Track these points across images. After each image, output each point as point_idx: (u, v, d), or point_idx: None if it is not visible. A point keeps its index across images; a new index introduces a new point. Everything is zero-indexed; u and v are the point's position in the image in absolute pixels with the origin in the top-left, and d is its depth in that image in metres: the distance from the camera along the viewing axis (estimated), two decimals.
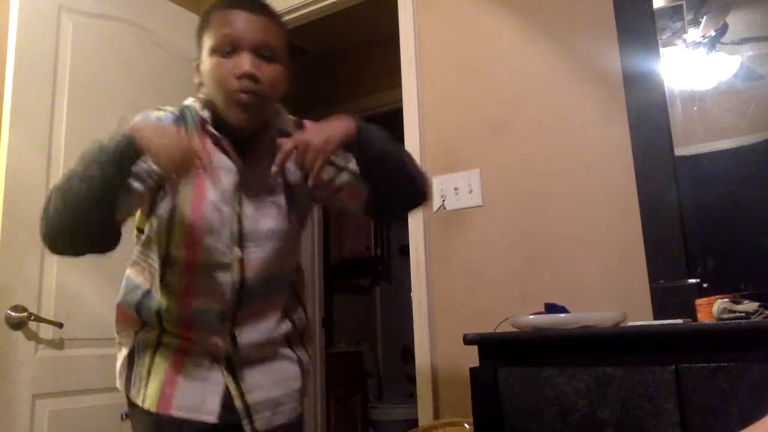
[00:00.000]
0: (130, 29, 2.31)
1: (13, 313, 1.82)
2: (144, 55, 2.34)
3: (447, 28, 2.19)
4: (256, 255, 1.21)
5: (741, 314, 1.21)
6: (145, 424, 1.25)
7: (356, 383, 4.19)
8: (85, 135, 2.08)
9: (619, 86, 1.80)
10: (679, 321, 1.30)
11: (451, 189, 2.09)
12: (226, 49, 1.14)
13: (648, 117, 1.72)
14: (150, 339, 1.26)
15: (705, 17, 1.70)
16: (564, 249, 1.85)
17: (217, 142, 1.20)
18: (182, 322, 1.23)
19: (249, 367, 1.27)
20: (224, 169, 1.20)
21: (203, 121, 1.21)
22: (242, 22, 1.14)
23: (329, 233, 4.41)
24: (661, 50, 1.73)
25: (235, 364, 1.25)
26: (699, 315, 1.31)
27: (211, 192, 1.18)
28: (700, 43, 1.70)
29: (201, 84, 1.22)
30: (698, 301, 1.32)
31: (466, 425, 1.81)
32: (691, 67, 1.71)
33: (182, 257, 1.19)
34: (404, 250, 4.44)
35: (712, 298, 1.28)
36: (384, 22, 2.74)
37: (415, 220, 2.15)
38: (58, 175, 1.99)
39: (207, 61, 1.17)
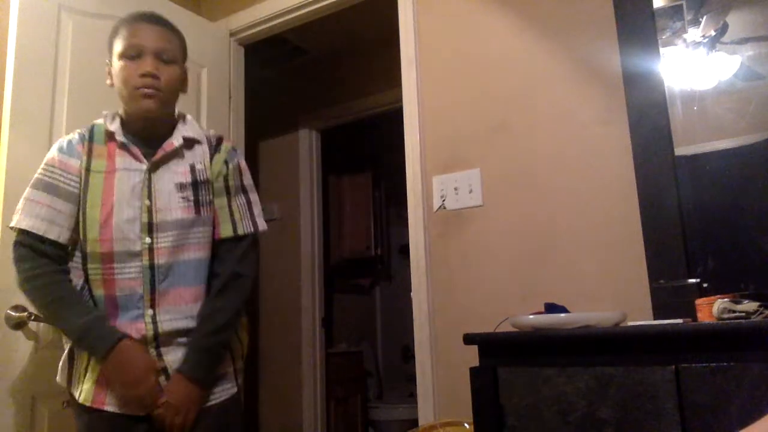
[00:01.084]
0: None
1: (13, 313, 1.82)
2: None
3: (447, 28, 2.19)
4: (165, 243, 1.40)
5: (741, 314, 1.21)
6: (81, 417, 1.40)
7: (356, 383, 4.19)
8: None
9: (619, 86, 1.80)
10: (679, 321, 1.30)
11: (451, 189, 2.09)
12: (132, 53, 1.41)
13: (648, 117, 1.72)
14: None
15: (705, 17, 1.70)
16: (564, 249, 1.86)
17: (124, 147, 1.44)
18: (110, 310, 1.39)
19: (175, 353, 1.40)
20: (132, 169, 1.42)
21: (110, 133, 1.44)
22: (144, 32, 1.42)
23: (329, 233, 4.41)
24: (661, 50, 1.73)
25: (163, 353, 1.39)
26: (699, 315, 1.31)
27: (120, 190, 1.40)
28: (700, 43, 1.70)
29: (111, 84, 1.46)
30: (698, 301, 1.32)
31: (466, 425, 1.81)
32: (691, 67, 1.71)
33: (99, 249, 1.38)
34: (404, 250, 4.44)
35: (712, 298, 1.28)
36: (384, 22, 2.74)
37: (415, 220, 2.15)
38: None
39: (116, 65, 1.43)
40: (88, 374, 1.38)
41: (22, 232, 1.40)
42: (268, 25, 2.71)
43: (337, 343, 4.37)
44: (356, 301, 4.85)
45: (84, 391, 1.38)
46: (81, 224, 1.40)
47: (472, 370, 1.37)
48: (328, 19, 2.69)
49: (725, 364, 1.11)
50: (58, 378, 1.46)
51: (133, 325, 1.38)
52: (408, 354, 4.70)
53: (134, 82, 1.39)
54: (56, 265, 1.40)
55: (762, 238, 1.56)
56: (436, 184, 2.12)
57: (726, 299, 1.24)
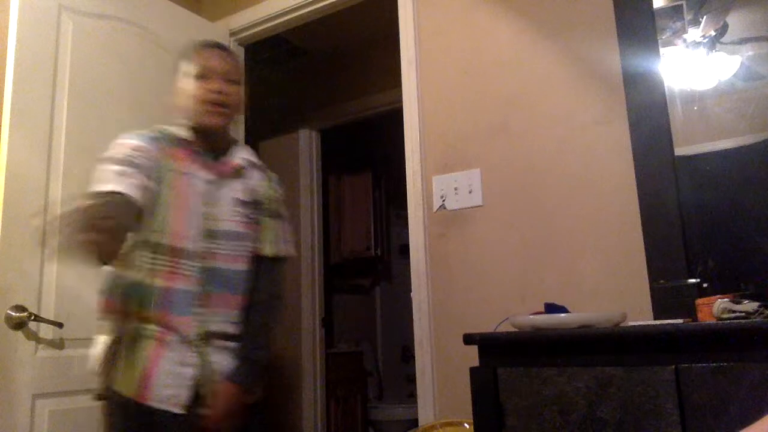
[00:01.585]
0: (130, 29, 2.31)
1: (13, 313, 1.82)
2: (144, 55, 2.34)
3: (447, 28, 2.19)
4: (221, 249, 1.53)
5: (741, 314, 1.21)
6: (121, 409, 1.45)
7: (356, 383, 4.19)
8: (85, 135, 2.09)
9: (619, 86, 1.80)
10: (679, 321, 1.30)
11: (451, 189, 2.09)
12: (204, 74, 1.56)
13: (648, 117, 1.72)
14: (131, 330, 1.47)
15: (705, 17, 1.70)
16: (564, 249, 1.86)
17: (195, 158, 1.55)
18: (163, 303, 1.46)
19: (217, 357, 1.50)
20: (200, 178, 1.54)
21: (182, 141, 1.56)
22: (213, 57, 1.59)
23: (329, 233, 4.41)
24: (661, 50, 1.73)
25: (204, 352, 1.47)
26: (699, 315, 1.31)
27: (189, 195, 1.51)
28: (700, 43, 1.70)
29: (179, 103, 1.59)
30: (698, 301, 1.32)
31: (466, 425, 1.82)
32: (691, 67, 1.71)
33: (166, 242, 1.47)
34: (404, 250, 4.44)
35: (712, 298, 1.28)
36: (384, 22, 2.74)
37: (415, 220, 2.15)
38: (58, 175, 1.99)
39: (189, 84, 1.57)
40: (132, 366, 1.45)
41: (109, 195, 1.40)
42: (268, 25, 2.71)
43: (336, 343, 4.37)
44: (356, 301, 4.85)
45: (128, 385, 1.44)
46: (153, 213, 1.48)
47: (472, 370, 1.37)
48: (328, 19, 2.69)
49: (725, 364, 1.11)
50: (96, 370, 1.51)
51: (182, 319, 1.47)
52: (408, 354, 4.70)
53: (205, 96, 1.54)
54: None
55: (762, 238, 1.56)
56: (436, 184, 2.12)
57: (726, 299, 1.24)
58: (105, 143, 2.14)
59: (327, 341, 3.87)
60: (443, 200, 2.10)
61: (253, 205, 1.61)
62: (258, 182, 1.64)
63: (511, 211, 1.97)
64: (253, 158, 1.67)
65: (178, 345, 1.46)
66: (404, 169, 2.21)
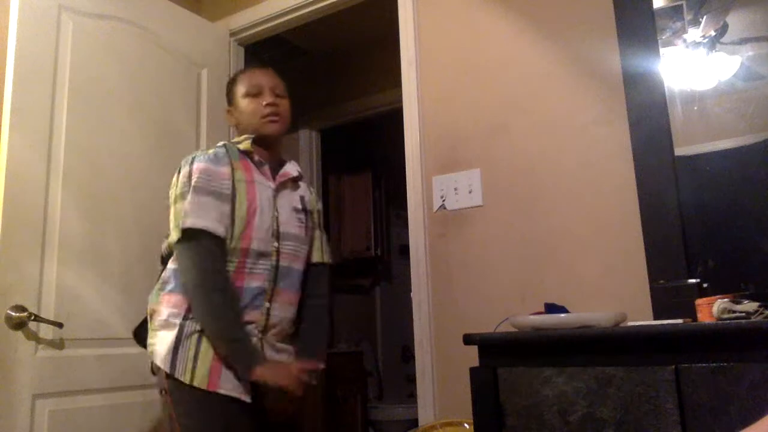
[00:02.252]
0: (130, 29, 2.31)
1: (13, 313, 1.82)
2: (144, 55, 2.34)
3: (447, 28, 2.19)
4: (287, 249, 1.65)
5: (741, 314, 1.21)
6: (193, 399, 1.50)
7: (356, 383, 4.19)
8: (85, 135, 2.09)
9: (619, 86, 1.80)
10: (679, 321, 1.30)
11: (451, 189, 2.09)
12: (254, 92, 1.70)
13: (648, 117, 1.72)
14: (196, 326, 1.53)
15: (705, 17, 1.70)
16: (564, 249, 1.86)
17: (259, 166, 1.68)
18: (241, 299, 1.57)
19: (273, 355, 1.59)
20: (265, 185, 1.66)
21: (245, 152, 1.68)
22: (261, 74, 1.74)
23: (329, 233, 4.40)
24: (661, 50, 1.73)
25: (264, 348, 1.57)
26: (699, 315, 1.31)
27: (259, 200, 1.63)
28: (700, 43, 1.70)
29: (236, 124, 1.74)
30: (698, 301, 1.32)
31: (466, 425, 1.82)
32: (691, 67, 1.71)
33: (240, 246, 1.58)
34: (404, 250, 4.43)
35: (712, 298, 1.28)
36: (384, 22, 2.74)
37: (415, 220, 2.15)
38: (58, 175, 1.99)
39: (242, 102, 1.71)
40: (199, 361, 1.50)
41: (194, 233, 1.53)
42: (268, 25, 2.71)
43: (336, 343, 4.37)
44: (356, 301, 4.85)
45: (198, 376, 1.49)
46: (233, 223, 1.59)
47: (472, 370, 1.37)
48: (328, 19, 2.69)
49: (725, 364, 1.11)
50: (159, 363, 1.53)
51: (253, 313, 1.57)
52: (408, 354, 4.69)
53: (261, 112, 1.68)
54: (226, 269, 1.57)
55: (762, 238, 1.56)
56: (436, 184, 2.13)
57: (726, 299, 1.24)
58: (105, 143, 2.15)
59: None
60: (443, 200, 2.10)
61: (305, 213, 1.74)
62: (306, 193, 1.79)
63: (511, 211, 1.97)
64: (301, 172, 1.80)
65: None
66: (404, 169, 2.21)
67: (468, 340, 1.39)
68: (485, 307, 1.95)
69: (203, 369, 1.49)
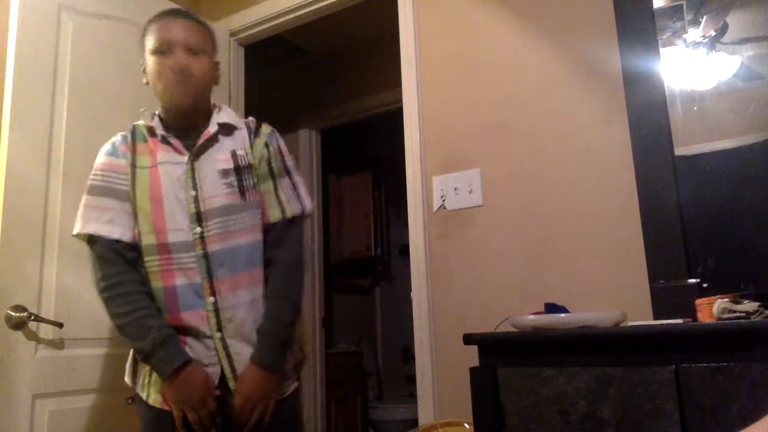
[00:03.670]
0: (130, 29, 2.31)
1: (13, 313, 1.82)
2: None
3: (447, 28, 2.19)
4: (215, 230, 1.43)
5: (741, 314, 1.21)
6: (148, 417, 1.43)
7: (356, 383, 4.19)
8: (85, 135, 2.08)
9: (619, 86, 1.80)
10: (679, 321, 1.30)
11: (451, 189, 2.09)
12: (163, 48, 1.44)
13: (648, 117, 1.72)
14: None
15: (705, 17, 1.70)
16: (564, 249, 1.86)
17: (165, 141, 1.47)
18: (171, 302, 1.42)
19: (241, 348, 1.42)
20: (175, 163, 1.45)
21: (151, 129, 1.49)
22: (173, 27, 1.45)
23: (329, 233, 4.41)
24: (661, 50, 1.73)
25: (228, 345, 1.41)
26: (699, 315, 1.31)
27: (166, 185, 1.43)
28: (700, 43, 1.70)
29: (147, 82, 1.50)
30: (698, 301, 1.32)
31: (466, 425, 1.82)
32: (691, 67, 1.71)
33: (154, 242, 1.42)
34: (404, 250, 4.43)
35: (712, 298, 1.28)
36: (384, 22, 2.74)
37: (415, 220, 2.15)
38: (58, 176, 1.99)
39: (149, 60, 1.46)
40: (153, 378, 1.42)
41: (90, 239, 1.43)
42: (268, 25, 2.71)
43: (337, 343, 4.37)
44: (356, 301, 4.85)
45: (152, 394, 1.42)
46: (137, 220, 1.44)
47: (472, 370, 1.37)
48: (328, 19, 2.69)
49: (725, 364, 1.11)
50: (126, 378, 1.50)
51: (196, 314, 1.41)
52: (408, 354, 4.70)
53: (167, 74, 1.43)
54: (131, 272, 1.43)
55: (762, 238, 1.56)
56: (436, 184, 2.12)
57: (726, 299, 1.24)
58: (105, 143, 2.14)
59: (327, 341, 3.87)
60: (443, 200, 2.10)
61: (242, 171, 1.47)
62: (242, 145, 1.50)
63: (511, 211, 1.97)
64: (233, 120, 1.54)
65: (197, 345, 1.42)
66: (404, 169, 2.21)
67: (468, 340, 1.39)
68: (485, 307, 1.94)
69: (156, 388, 1.41)
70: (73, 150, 2.04)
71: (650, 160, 1.70)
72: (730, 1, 1.67)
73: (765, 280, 1.51)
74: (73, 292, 1.98)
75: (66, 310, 1.95)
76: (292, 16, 2.63)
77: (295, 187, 1.54)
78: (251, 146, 1.51)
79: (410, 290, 2.13)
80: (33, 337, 1.87)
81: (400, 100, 2.27)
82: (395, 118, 2.57)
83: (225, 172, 1.46)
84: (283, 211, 1.49)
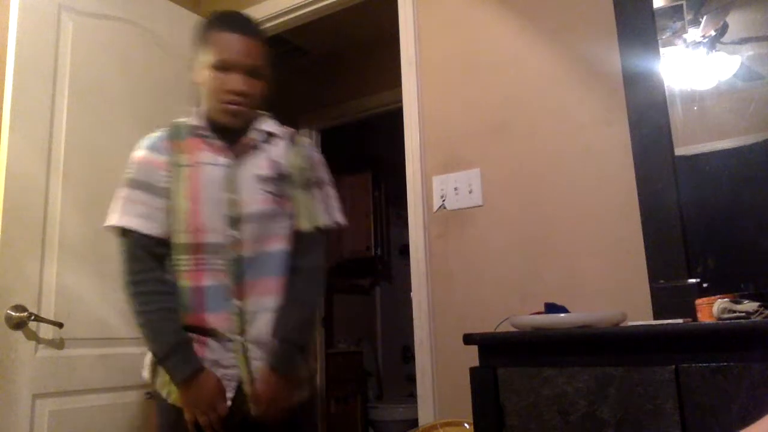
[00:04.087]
0: (131, 29, 2.31)
1: (13, 313, 1.82)
2: (144, 55, 2.34)
3: (447, 28, 2.19)
4: (249, 235, 1.43)
5: (741, 314, 1.21)
6: (168, 415, 1.43)
7: (356, 383, 4.19)
8: (85, 135, 2.09)
9: (619, 86, 1.80)
10: (679, 321, 1.30)
11: (451, 189, 2.09)
12: (223, 66, 1.42)
13: (648, 117, 1.72)
14: None
15: (705, 17, 1.70)
16: (564, 249, 1.86)
17: (207, 142, 1.47)
18: (197, 302, 1.41)
19: (260, 354, 1.42)
20: (217, 164, 1.45)
21: (195, 128, 1.48)
22: (236, 46, 1.42)
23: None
24: (661, 50, 1.73)
25: (248, 349, 1.41)
26: (699, 315, 1.31)
27: (205, 183, 1.43)
28: (700, 43, 1.70)
29: (196, 83, 1.48)
30: (698, 301, 1.32)
31: (466, 425, 1.81)
32: (691, 67, 1.71)
33: (188, 241, 1.41)
34: (404, 250, 4.43)
35: (712, 298, 1.28)
36: (384, 22, 2.74)
37: (415, 220, 2.15)
38: (58, 175, 1.99)
39: (204, 72, 1.44)
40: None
41: (122, 232, 1.42)
42: (268, 25, 2.71)
43: (337, 343, 4.37)
44: (356, 301, 4.85)
45: (173, 393, 1.41)
46: (172, 215, 1.43)
47: (472, 370, 1.37)
48: (328, 19, 2.69)
49: (725, 364, 1.11)
50: (144, 374, 1.49)
51: (220, 316, 1.41)
52: (408, 354, 4.70)
53: (221, 96, 1.42)
54: (157, 269, 1.42)
55: (762, 238, 1.56)
56: (436, 184, 2.12)
57: (726, 299, 1.24)
58: (105, 143, 2.15)
59: (327, 341, 3.87)
60: (443, 200, 2.10)
61: (280, 179, 1.47)
62: (282, 154, 1.50)
63: (511, 211, 1.97)
64: (275, 128, 1.54)
65: (217, 347, 1.41)
66: (404, 169, 2.21)
67: (468, 340, 1.39)
68: (485, 307, 1.94)
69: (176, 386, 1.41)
70: (73, 150, 2.04)
71: (650, 160, 1.70)
72: (730, 1, 1.67)
73: (765, 280, 1.51)
74: (73, 292, 1.98)
75: (66, 310, 1.95)
76: (292, 16, 2.62)
77: (327, 199, 1.55)
78: (289, 156, 1.52)
79: (410, 290, 2.13)
80: (33, 337, 1.87)
81: (400, 100, 2.27)
82: (395, 118, 2.57)
83: (264, 179, 1.46)
84: (314, 221, 1.50)
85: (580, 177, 1.86)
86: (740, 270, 1.58)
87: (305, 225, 1.49)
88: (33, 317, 1.85)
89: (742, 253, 1.59)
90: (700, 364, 1.13)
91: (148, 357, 1.48)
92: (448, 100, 2.15)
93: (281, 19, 2.67)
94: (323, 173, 1.57)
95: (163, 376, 1.43)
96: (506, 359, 1.36)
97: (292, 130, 1.60)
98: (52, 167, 1.98)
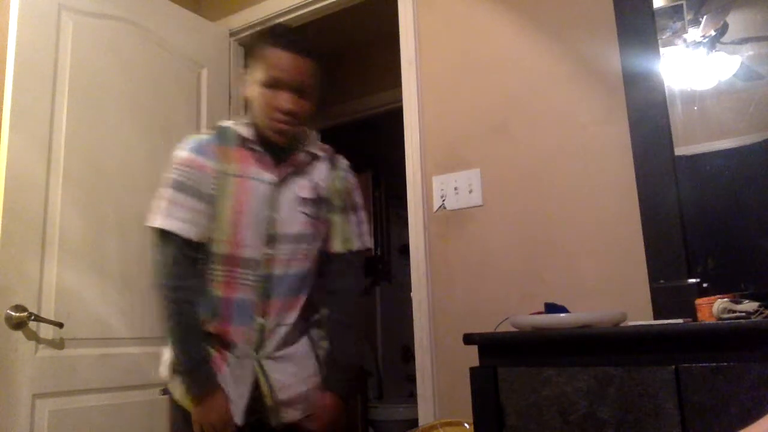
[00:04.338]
0: (130, 29, 2.31)
1: (13, 313, 1.82)
2: (144, 55, 2.34)
3: (447, 28, 2.19)
4: (282, 254, 1.44)
5: (741, 314, 1.21)
6: (180, 419, 1.44)
7: (356, 383, 4.19)
8: (85, 135, 2.09)
9: (619, 86, 1.80)
10: (679, 321, 1.30)
11: (451, 189, 2.09)
12: (273, 84, 1.41)
13: (648, 117, 1.72)
14: None
15: (705, 17, 1.70)
16: (564, 249, 1.85)
17: (257, 156, 1.46)
18: (225, 313, 1.42)
19: (277, 368, 1.45)
20: (262, 181, 1.45)
21: (245, 140, 1.46)
22: (288, 65, 1.41)
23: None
24: (661, 50, 1.73)
25: (264, 365, 1.43)
26: (699, 315, 1.31)
27: (249, 200, 1.42)
28: (700, 43, 1.70)
29: (246, 98, 1.49)
30: (698, 301, 1.32)
31: (466, 425, 1.81)
32: (691, 67, 1.71)
33: (226, 252, 1.42)
34: (404, 250, 4.43)
35: (712, 298, 1.28)
36: (384, 22, 2.74)
37: (415, 220, 2.15)
38: (58, 175, 1.99)
39: (254, 88, 1.44)
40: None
41: (163, 233, 1.41)
42: (267, 25, 2.71)
43: None
44: None
45: (189, 398, 1.42)
46: (214, 222, 1.43)
47: (472, 370, 1.37)
48: (328, 19, 2.69)
49: (725, 364, 1.11)
50: (162, 372, 1.49)
51: (242, 330, 1.43)
52: (408, 354, 4.69)
53: (269, 113, 1.43)
54: (193, 277, 1.43)
55: (762, 238, 1.56)
56: (436, 184, 2.12)
57: (726, 299, 1.24)
58: (105, 143, 2.15)
59: None
60: (443, 200, 2.10)
61: (318, 202, 1.50)
62: (323, 176, 1.53)
63: (511, 211, 1.97)
64: (319, 151, 1.56)
65: (236, 359, 1.43)
66: (404, 169, 2.21)
67: (468, 340, 1.39)
68: (485, 307, 1.94)
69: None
70: (73, 150, 2.04)
71: (650, 160, 1.70)
72: (730, 1, 1.67)
73: (765, 280, 1.51)
74: (73, 292, 1.98)
75: (66, 310, 1.95)
76: (292, 16, 2.62)
77: (360, 224, 1.59)
78: (329, 179, 1.54)
79: (410, 290, 2.13)
80: (33, 337, 1.87)
81: (400, 100, 2.27)
82: (395, 118, 2.57)
83: (304, 201, 1.48)
84: (348, 245, 1.54)
85: (580, 177, 1.86)
86: (740, 270, 1.58)
87: (339, 248, 1.54)
88: (33, 317, 1.85)
89: (742, 253, 1.59)
90: (700, 364, 1.13)
91: (166, 355, 1.48)
92: (448, 100, 2.15)
93: (281, 19, 2.66)
94: (358, 197, 1.61)
95: (177, 379, 1.45)
96: (506, 359, 1.36)
97: (331, 149, 1.62)
98: (52, 167, 1.98)
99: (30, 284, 1.88)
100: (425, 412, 2.02)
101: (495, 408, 1.32)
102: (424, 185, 2.15)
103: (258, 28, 2.69)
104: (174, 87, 2.43)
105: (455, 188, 2.08)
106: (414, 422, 2.17)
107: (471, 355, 1.44)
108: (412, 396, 3.36)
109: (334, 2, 2.51)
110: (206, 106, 2.55)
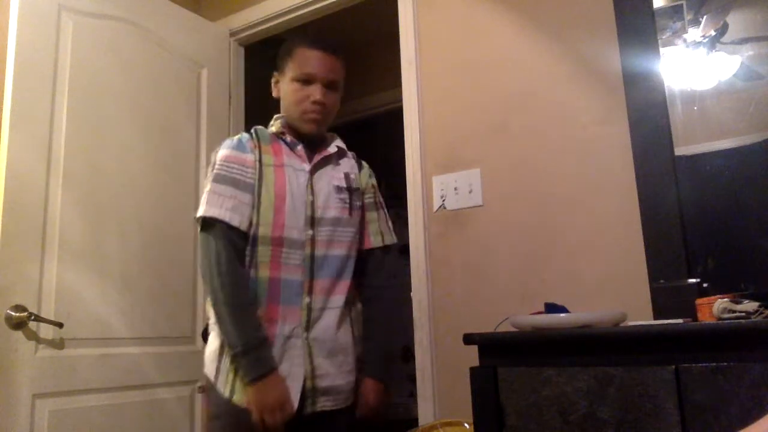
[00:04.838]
0: (130, 29, 2.31)
1: (13, 313, 1.82)
2: (144, 55, 2.34)
3: (447, 28, 2.19)
4: (323, 236, 1.55)
5: (741, 314, 1.21)
6: (228, 414, 1.45)
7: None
8: (85, 135, 2.09)
9: (619, 86, 1.80)
10: (679, 321, 1.30)
11: (451, 189, 2.09)
12: (305, 79, 1.58)
13: (648, 117, 1.72)
14: None
15: (705, 17, 1.70)
16: (564, 249, 1.86)
17: (291, 148, 1.59)
18: (273, 293, 1.49)
19: (322, 352, 1.50)
20: (299, 169, 1.57)
21: (278, 134, 1.60)
22: (318, 62, 1.60)
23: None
24: (661, 50, 1.73)
25: (312, 346, 1.49)
26: (699, 315, 1.31)
27: (290, 185, 1.54)
28: (700, 43, 1.70)
29: (276, 96, 1.64)
30: (698, 301, 1.32)
31: (466, 425, 1.81)
32: (691, 67, 1.71)
33: (272, 234, 1.50)
34: (404, 250, 4.43)
35: (712, 298, 1.28)
36: (384, 22, 2.74)
37: (415, 220, 2.15)
38: (58, 175, 1.99)
39: (288, 85, 1.60)
40: (240, 375, 1.45)
41: (206, 224, 1.49)
42: (268, 25, 2.71)
43: None
44: None
45: (237, 392, 1.45)
46: (256, 209, 1.52)
47: (472, 370, 1.37)
48: (328, 19, 2.69)
49: (725, 364, 1.11)
50: (206, 369, 1.51)
51: (291, 309, 1.49)
52: (408, 354, 4.69)
53: (303, 106, 1.57)
54: (241, 264, 1.49)
55: (762, 238, 1.56)
56: (436, 184, 2.12)
57: (726, 299, 1.24)
58: (105, 143, 2.15)
59: None
60: (443, 200, 2.10)
61: (351, 191, 1.63)
62: (353, 169, 1.68)
63: (511, 211, 1.97)
64: (344, 146, 1.69)
65: (284, 339, 1.47)
66: (404, 169, 2.21)
67: (468, 339, 1.39)
68: (485, 307, 1.94)
69: (242, 384, 1.43)
70: (73, 150, 2.04)
71: (650, 160, 1.70)
72: (730, 1, 1.67)
73: (765, 280, 1.51)
74: (73, 292, 1.98)
75: (66, 310, 1.95)
76: (292, 16, 2.63)
77: (388, 220, 1.74)
78: (358, 173, 1.69)
79: (410, 290, 2.13)
80: (33, 337, 1.87)
81: (400, 100, 2.27)
82: (395, 118, 2.57)
83: (339, 189, 1.61)
84: (383, 239, 1.68)
85: (580, 177, 1.86)
86: (740, 270, 1.58)
87: (376, 242, 1.67)
88: (33, 317, 1.85)
89: (742, 253, 1.59)
90: (700, 364, 1.13)
91: (210, 350, 1.51)
92: (448, 100, 2.15)
93: (281, 19, 2.67)
94: (380, 197, 1.77)
95: (227, 374, 1.46)
96: (506, 359, 1.36)
97: (353, 153, 1.75)
98: (52, 167, 1.98)
99: (30, 284, 1.88)
100: (425, 412, 2.02)
101: (495, 408, 1.32)
102: (424, 185, 2.15)
103: (258, 28, 2.72)
104: (174, 87, 2.43)
105: (455, 188, 2.08)
106: (414, 422, 2.17)
107: (471, 355, 1.44)
108: (412, 396, 3.35)
109: (334, 2, 2.51)
110: (206, 106, 2.55)
